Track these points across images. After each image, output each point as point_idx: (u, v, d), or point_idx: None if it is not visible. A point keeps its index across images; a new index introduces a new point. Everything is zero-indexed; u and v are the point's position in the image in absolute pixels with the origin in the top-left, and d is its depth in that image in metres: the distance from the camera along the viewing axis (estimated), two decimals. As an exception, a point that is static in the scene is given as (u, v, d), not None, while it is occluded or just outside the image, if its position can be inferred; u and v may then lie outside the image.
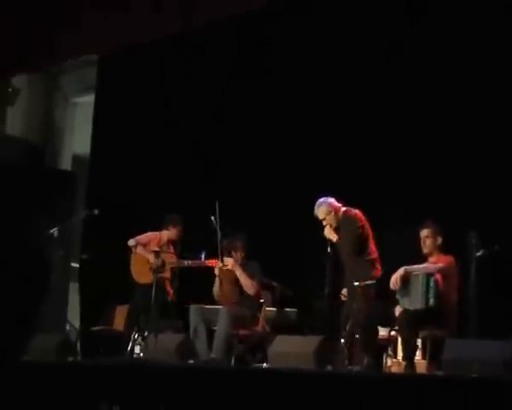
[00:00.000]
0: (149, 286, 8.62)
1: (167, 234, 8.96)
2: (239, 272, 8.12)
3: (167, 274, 8.78)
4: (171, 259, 8.78)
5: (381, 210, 7.98)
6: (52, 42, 9.25)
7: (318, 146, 8.98)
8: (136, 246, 8.95)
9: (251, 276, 8.11)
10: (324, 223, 7.48)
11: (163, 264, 8.71)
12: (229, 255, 8.24)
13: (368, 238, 7.35)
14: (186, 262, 8.58)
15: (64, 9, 9.04)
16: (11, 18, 9.44)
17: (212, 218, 8.24)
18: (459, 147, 7.96)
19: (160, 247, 8.83)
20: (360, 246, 7.29)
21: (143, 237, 9.01)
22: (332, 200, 7.54)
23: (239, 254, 8.22)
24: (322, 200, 7.53)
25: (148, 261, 8.81)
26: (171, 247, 8.98)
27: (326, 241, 7.44)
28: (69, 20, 9.02)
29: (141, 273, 8.89)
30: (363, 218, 7.38)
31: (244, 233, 8.28)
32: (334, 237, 7.42)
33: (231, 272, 8.16)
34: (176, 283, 8.73)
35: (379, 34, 8.59)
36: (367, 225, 7.37)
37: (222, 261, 8.16)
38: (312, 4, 8.95)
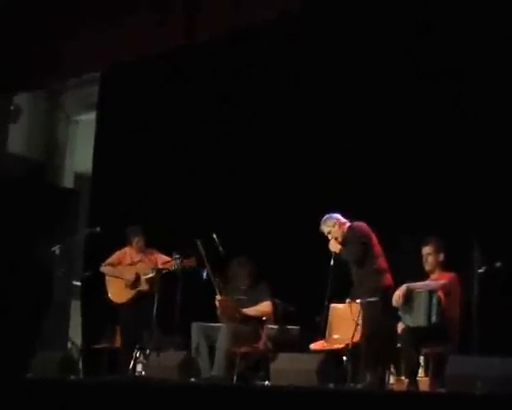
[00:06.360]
0: (131, 303, 8.75)
1: (133, 246, 9.02)
2: (245, 311, 8.07)
3: (145, 287, 8.78)
4: (146, 270, 8.79)
5: (382, 226, 7.98)
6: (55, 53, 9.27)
7: (320, 160, 9.00)
8: (108, 268, 9.03)
9: (259, 300, 8.09)
10: (329, 237, 7.50)
11: (137, 277, 8.74)
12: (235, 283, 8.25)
13: (372, 249, 7.34)
14: (158, 271, 8.58)
15: (66, 23, 9.06)
16: (12, 35, 9.46)
17: (215, 236, 8.23)
18: (461, 165, 7.99)
19: (133, 261, 8.93)
20: (363, 255, 7.28)
21: (114, 258, 9.09)
22: (337, 215, 7.57)
23: (244, 283, 8.21)
24: (327, 215, 7.57)
25: (123, 279, 8.88)
26: (149, 254, 8.98)
27: (330, 255, 7.46)
28: (71, 34, 9.05)
29: (119, 294, 8.95)
30: (368, 230, 7.40)
31: (249, 261, 8.26)
32: (337, 248, 7.43)
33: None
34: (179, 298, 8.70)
35: (384, 50, 8.61)
36: (373, 238, 7.38)
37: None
38: (315, 19, 8.98)
